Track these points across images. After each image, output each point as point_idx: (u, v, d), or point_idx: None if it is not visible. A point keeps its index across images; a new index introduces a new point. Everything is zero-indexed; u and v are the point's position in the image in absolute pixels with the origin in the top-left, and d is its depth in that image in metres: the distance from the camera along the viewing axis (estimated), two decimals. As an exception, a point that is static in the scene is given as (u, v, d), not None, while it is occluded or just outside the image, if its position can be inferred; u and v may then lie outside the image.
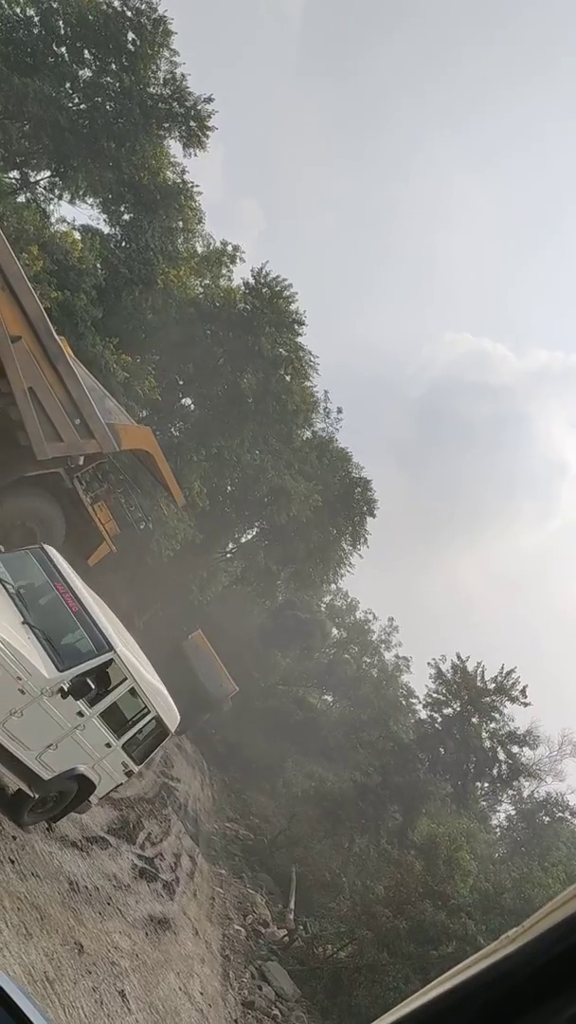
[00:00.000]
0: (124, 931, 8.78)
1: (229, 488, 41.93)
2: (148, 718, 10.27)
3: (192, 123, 33.90)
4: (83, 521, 14.37)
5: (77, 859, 8.78)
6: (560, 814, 44.37)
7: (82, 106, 32.52)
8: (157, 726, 10.64)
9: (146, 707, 10.24)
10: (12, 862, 6.92)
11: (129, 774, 9.98)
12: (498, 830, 48.38)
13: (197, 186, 36.52)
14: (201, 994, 10.64)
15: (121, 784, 10.13)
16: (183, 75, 33.26)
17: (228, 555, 48.50)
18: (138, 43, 32.34)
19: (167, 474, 14.79)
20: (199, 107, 33.76)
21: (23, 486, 12.85)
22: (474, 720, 37.05)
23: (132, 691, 9.66)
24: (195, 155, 35.07)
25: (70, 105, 32.00)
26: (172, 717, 10.94)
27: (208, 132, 34.35)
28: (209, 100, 33.94)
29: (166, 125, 33.70)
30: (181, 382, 37.95)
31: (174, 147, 35.37)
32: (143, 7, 31.99)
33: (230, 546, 48.25)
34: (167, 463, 14.92)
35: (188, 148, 34.84)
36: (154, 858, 13.29)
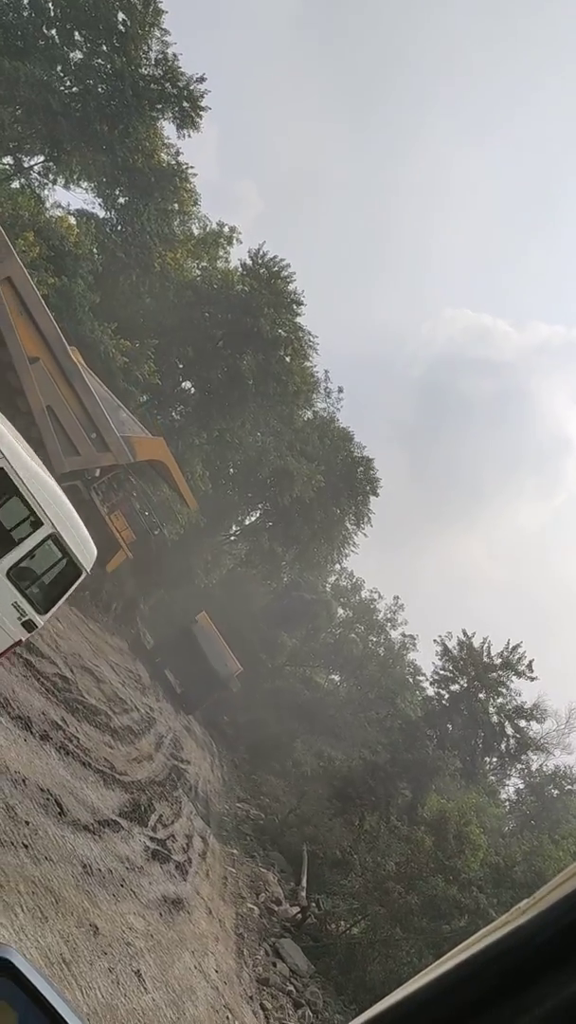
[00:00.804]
0: (138, 912, 8.86)
1: (231, 471, 41.97)
2: (43, 535, 8.20)
3: (185, 104, 33.58)
4: (101, 530, 14.48)
5: (90, 842, 8.85)
6: (569, 787, 44.68)
7: (74, 89, 32.24)
8: (64, 559, 8.61)
9: (39, 517, 8.15)
10: (26, 847, 6.98)
11: (29, 626, 8.11)
12: (507, 804, 48.72)
13: (192, 167, 36.32)
14: (216, 972, 10.76)
15: (19, 644, 8.23)
16: (175, 55, 32.99)
17: (232, 538, 48.59)
18: (128, 23, 32.02)
19: (180, 481, 15.19)
20: (192, 87, 33.45)
21: None
22: (481, 696, 37.16)
23: (16, 492, 7.87)
24: (189, 136, 34.82)
25: (62, 88, 31.72)
26: (86, 551, 8.94)
27: (201, 112, 34.07)
28: (202, 80, 33.66)
29: (159, 106, 33.40)
30: (181, 365, 37.87)
31: (168, 128, 35.11)
32: (133, -14, 31.69)
33: (234, 528, 48.33)
34: (180, 471, 15.12)
35: (182, 129, 34.55)
36: (166, 840, 13.39)
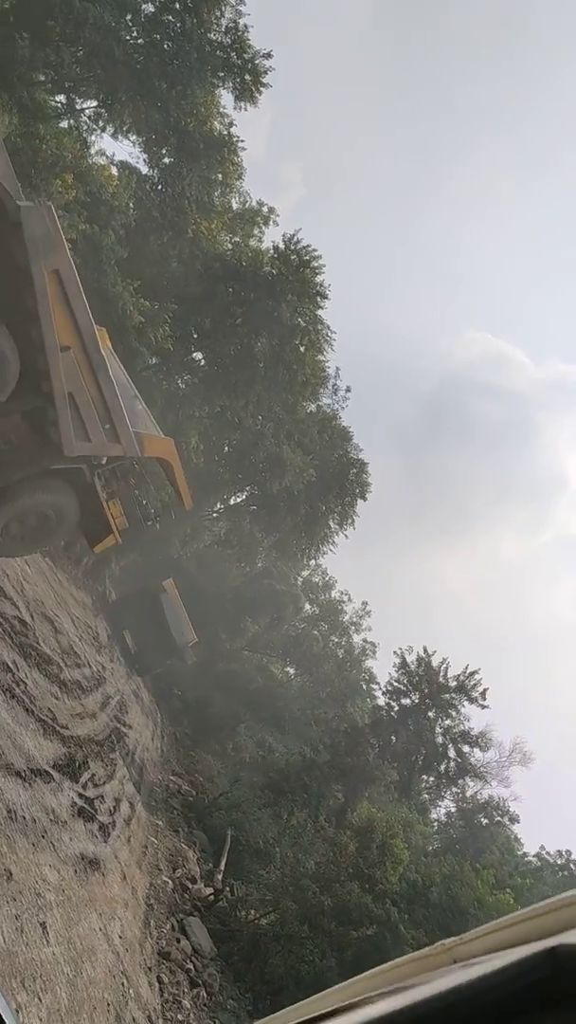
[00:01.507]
0: (54, 865, 8.87)
1: (226, 449, 41.88)
2: None
3: (247, 76, 33.35)
4: (96, 514, 15.29)
5: (19, 789, 8.84)
6: (499, 819, 45.04)
7: (140, 41, 31.92)
8: None
9: None
10: (-46, 781, 6.99)
11: None
12: (436, 824, 49.11)
13: (242, 141, 36.05)
14: (120, 938, 10.79)
15: None
16: (246, 26, 32.72)
17: (215, 515, 48.51)
18: (206, -15, 31.75)
19: (182, 482, 16.26)
20: (257, 61, 33.21)
21: (47, 476, 13.81)
22: (430, 714, 37.42)
23: None
24: (245, 109, 34.58)
25: (127, 38, 31.40)
26: None
27: (262, 88, 33.84)
28: (268, 56, 33.42)
29: (220, 74, 33.16)
30: (195, 336, 37.68)
31: (225, 98, 34.88)
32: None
33: (218, 506, 48.24)
34: (183, 472, 16.41)
35: (239, 101, 34.31)
36: (95, 799, 13.40)
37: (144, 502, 17.54)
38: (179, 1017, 11.98)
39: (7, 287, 11.71)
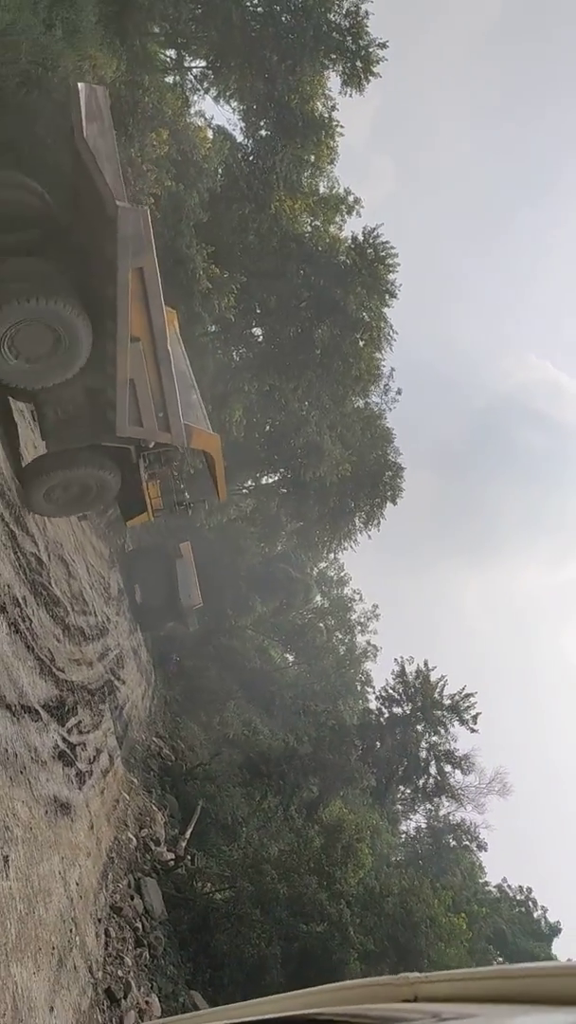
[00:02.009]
0: (27, 802, 8.99)
1: (268, 428, 41.87)
2: None
3: (359, 63, 33.04)
4: (135, 491, 16.26)
5: (7, 721, 8.97)
6: (467, 843, 44.98)
7: (259, 9, 31.73)
8: None
9: None
10: (-54, 703, 7.09)
11: None
12: (404, 836, 49.19)
13: (341, 126, 35.78)
14: (77, 885, 10.93)
15: None
16: (367, 12, 32.39)
17: (244, 491, 48.60)
18: (334, -34, 31.47)
19: (220, 476, 16.88)
20: (371, 49, 32.89)
21: (96, 451, 14.70)
22: (419, 727, 37.36)
23: None
24: (350, 95, 34.28)
25: (248, 3, 31.25)
26: None
27: (371, 77, 33.51)
28: (383, 46, 33.07)
29: (332, 56, 32.86)
30: (259, 311, 37.63)
31: (332, 80, 34.58)
32: None
33: (249, 483, 48.31)
34: (223, 467, 17.01)
35: (346, 86, 33.98)
36: (77, 746, 13.55)
37: (182, 486, 18.14)
38: (119, 972, 12.12)
39: (93, 275, 12.58)
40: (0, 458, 13.02)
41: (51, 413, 14.40)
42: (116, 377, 13.18)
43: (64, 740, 12.38)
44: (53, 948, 8.68)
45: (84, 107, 12.52)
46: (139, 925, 14.86)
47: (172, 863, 19.78)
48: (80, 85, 13.06)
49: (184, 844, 22.01)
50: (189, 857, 21.24)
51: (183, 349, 16.93)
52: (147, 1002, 12.73)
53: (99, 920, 12.29)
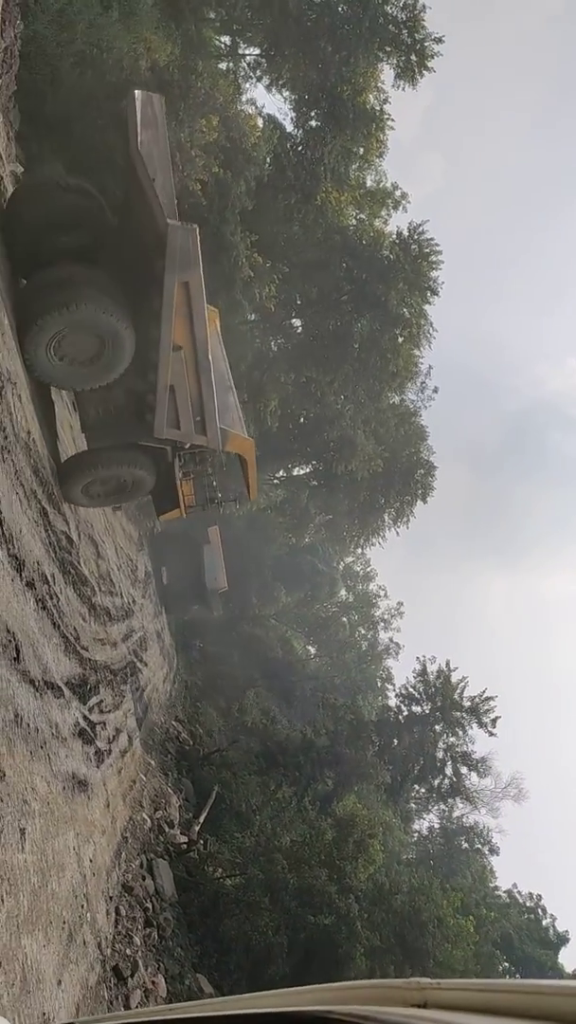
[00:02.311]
0: (46, 777, 9.08)
1: (302, 419, 41.85)
2: None
3: (413, 57, 32.83)
4: (169, 488, 16.84)
5: (30, 696, 9.05)
6: (479, 846, 44.81)
7: (316, -1, 31.63)
8: None
9: None
10: (-27, 675, 7.18)
11: None
12: (416, 835, 49.10)
13: (392, 119, 35.58)
14: (90, 861, 11.04)
15: None
16: (424, 6, 32.15)
17: (275, 481, 48.64)
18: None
19: (252, 477, 17.35)
20: (426, 43, 32.65)
21: (133, 450, 15.28)
22: (437, 727, 37.30)
23: None
24: (403, 89, 34.08)
25: (305, -8, 31.14)
26: None
27: (425, 71, 33.30)
28: (439, 41, 32.82)
29: (387, 49, 32.67)
30: (299, 302, 37.59)
31: (386, 73, 34.36)
32: None
33: (280, 473, 48.35)
34: (255, 469, 17.47)
35: (399, 79, 33.79)
36: (97, 724, 13.66)
37: (214, 484, 18.60)
38: (127, 951, 12.24)
39: (140, 285, 13.02)
40: (36, 436, 13.12)
41: (92, 412, 14.94)
42: (157, 383, 13.66)
43: (85, 718, 12.50)
44: (64, 923, 8.78)
45: (140, 115, 12.71)
46: (149, 905, 14.98)
47: (185, 846, 19.91)
48: (137, 93, 13.19)
49: (197, 828, 22.14)
50: (202, 841, 21.37)
51: (223, 349, 17.22)
52: (153, 982, 12.84)
53: (110, 898, 12.42)
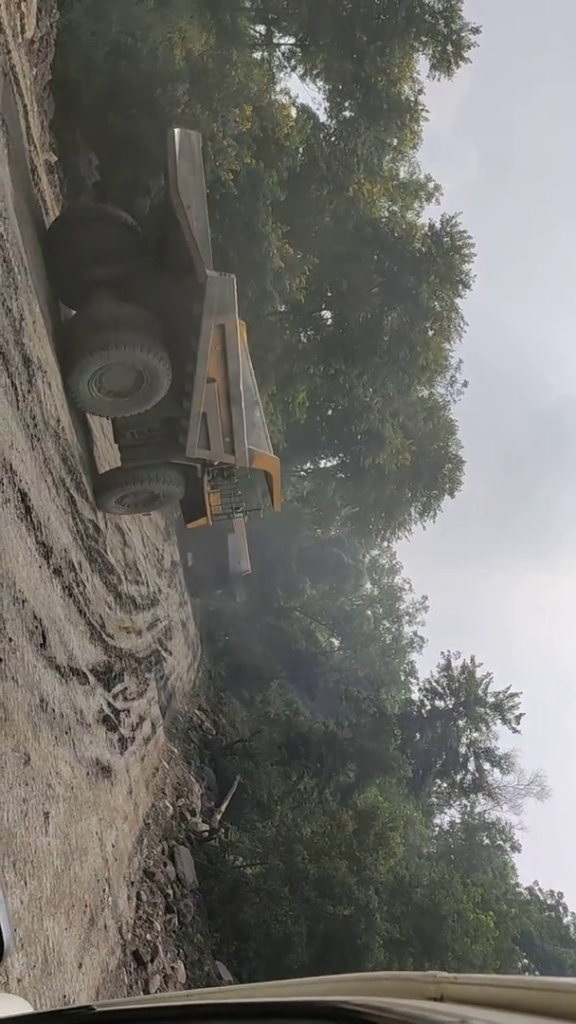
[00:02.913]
0: (70, 762, 9.18)
1: (330, 412, 41.74)
2: None
3: (449, 47, 32.47)
4: (198, 500, 17.89)
5: (56, 682, 9.14)
6: (501, 842, 44.65)
7: (351, -12, 31.39)
8: None
9: None
10: (0, 660, 7.24)
11: None
12: (437, 830, 49.01)
13: (427, 111, 35.27)
14: (113, 847, 11.14)
15: None
16: (461, -5, 31.77)
17: (302, 473, 48.61)
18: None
19: (277, 491, 18.32)
20: (463, 34, 32.29)
21: (167, 466, 16.25)
22: (460, 723, 37.20)
23: None
24: (439, 79, 33.74)
25: (341, -18, 30.92)
26: None
27: (461, 62, 32.93)
28: (476, 31, 32.44)
29: (423, 39, 32.32)
30: (329, 294, 37.44)
31: (421, 64, 34.05)
32: None
33: (308, 465, 48.30)
34: (280, 485, 18.61)
35: (435, 70, 33.41)
36: (121, 711, 13.77)
37: (240, 493, 19.36)
38: (148, 936, 12.36)
39: (178, 324, 13.77)
40: (66, 424, 13.22)
41: (127, 434, 15.91)
42: (191, 410, 14.43)
43: (109, 705, 12.60)
44: (86, 906, 8.88)
45: (178, 154, 13.19)
46: (170, 892, 15.11)
47: (206, 834, 20.05)
48: (176, 132, 13.65)
49: (219, 817, 22.29)
50: (223, 830, 21.50)
51: (250, 362, 17.76)
52: (173, 968, 12.96)
53: (132, 883, 12.54)
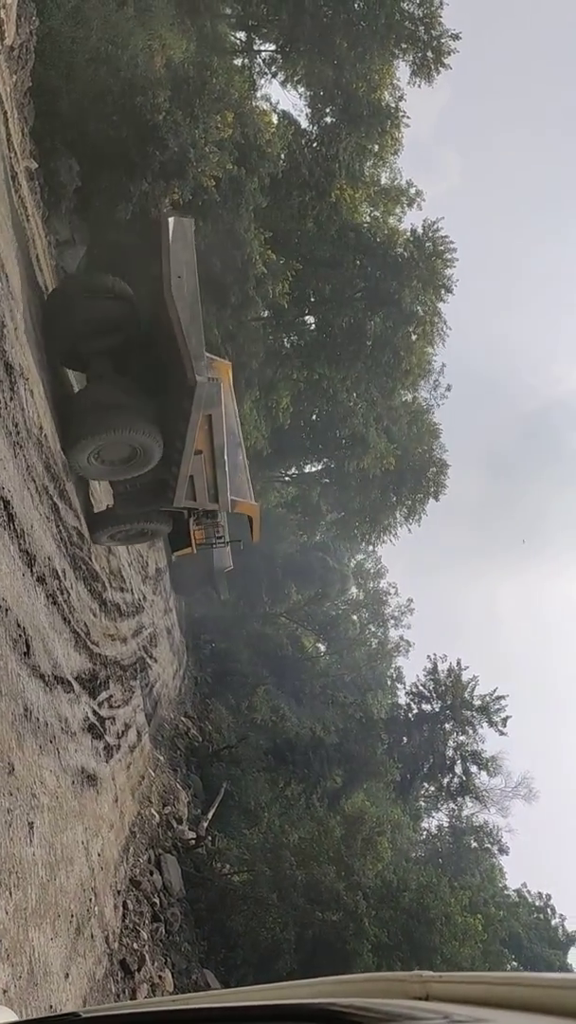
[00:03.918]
0: (55, 771, 9.12)
1: (314, 417, 41.81)
2: None
3: (429, 53, 32.68)
4: (184, 535, 19.05)
5: (40, 691, 9.08)
6: (488, 845, 44.71)
7: (332, -5, 31.53)
8: None
9: None
10: (-17, 669, 7.20)
11: None
12: (424, 833, 49.03)
13: (408, 117, 35.45)
14: (99, 856, 11.08)
15: None
16: (441, 2, 32.00)
17: (286, 478, 48.61)
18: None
19: (256, 528, 19.65)
20: (443, 40, 32.49)
21: (157, 513, 17.52)
22: (447, 726, 37.25)
23: None
24: (419, 86, 33.94)
25: (321, -12, 31.04)
26: None
27: (441, 68, 33.15)
28: (456, 37, 32.67)
29: (403, 46, 32.53)
30: (312, 299, 37.50)
31: (401, 70, 34.24)
32: None
33: (292, 470, 48.32)
34: (259, 523, 19.93)
35: (415, 76, 33.64)
36: (107, 719, 13.70)
37: (222, 526, 20.56)
38: (135, 945, 12.29)
39: (169, 411, 14.83)
40: (48, 431, 13.17)
41: (120, 486, 17.04)
42: (179, 476, 15.56)
43: (94, 713, 12.54)
44: (72, 916, 8.82)
45: (172, 240, 13.99)
46: (157, 900, 15.04)
47: (193, 842, 19.97)
48: (170, 220, 14.33)
49: (206, 824, 22.20)
50: (210, 837, 21.43)
51: (235, 404, 18.87)
52: (160, 976, 12.89)
53: (118, 892, 12.47)
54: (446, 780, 38.08)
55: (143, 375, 15.45)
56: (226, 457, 16.06)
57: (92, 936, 9.83)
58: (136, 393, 15.17)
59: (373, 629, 68.03)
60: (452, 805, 43.17)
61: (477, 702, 36.96)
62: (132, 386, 15.29)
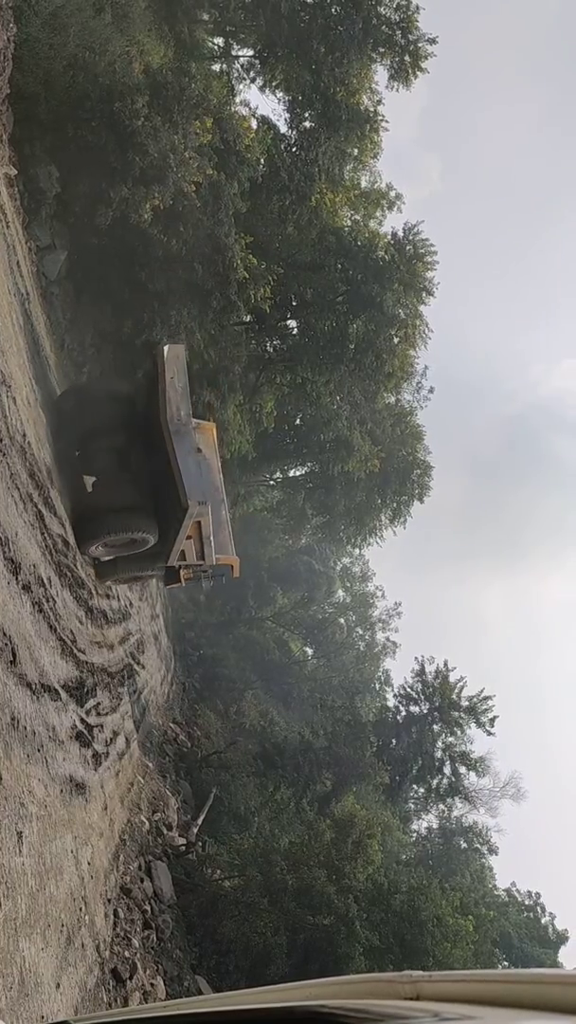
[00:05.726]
0: (43, 780, 9.08)
1: (298, 421, 41.80)
2: None
3: (407, 57, 32.82)
4: (174, 574, 20.39)
5: (27, 699, 9.04)
6: (478, 846, 44.81)
7: (308, 0, 31.63)
8: None
9: None
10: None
11: None
12: (414, 835, 49.07)
13: (386, 121, 35.55)
14: (88, 864, 11.03)
15: None
16: (417, 7, 32.16)
17: (271, 482, 48.60)
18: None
19: (236, 570, 21.47)
20: (420, 44, 32.65)
21: (153, 567, 19.70)
22: (435, 727, 37.30)
23: None
24: (397, 90, 34.07)
25: (297, -6, 31.14)
26: None
27: (419, 72, 33.29)
28: (433, 42, 32.81)
29: (381, 50, 32.64)
30: (294, 303, 37.49)
31: (379, 74, 34.36)
32: None
33: (277, 474, 48.31)
34: (239, 567, 21.98)
35: (393, 80, 33.76)
36: (95, 727, 13.66)
37: (207, 564, 21.27)
38: (126, 953, 12.24)
39: (166, 510, 16.95)
40: (32, 439, 13.13)
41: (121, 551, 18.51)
42: (172, 551, 17.61)
43: (82, 721, 12.50)
44: (62, 926, 8.78)
45: (167, 374, 16.30)
46: (148, 908, 14.99)
47: (183, 848, 19.92)
48: (165, 348, 16.80)
49: (196, 830, 22.16)
50: (200, 843, 21.38)
51: (218, 459, 20.20)
52: (152, 984, 12.85)
53: (109, 900, 12.42)
54: (435, 781, 38.10)
55: (142, 473, 17.49)
56: (213, 541, 18.04)
57: (83, 945, 9.79)
58: (139, 490, 17.32)
59: (360, 632, 68.06)
60: (441, 806, 43.23)
61: (465, 703, 37.01)
62: (135, 485, 17.39)
